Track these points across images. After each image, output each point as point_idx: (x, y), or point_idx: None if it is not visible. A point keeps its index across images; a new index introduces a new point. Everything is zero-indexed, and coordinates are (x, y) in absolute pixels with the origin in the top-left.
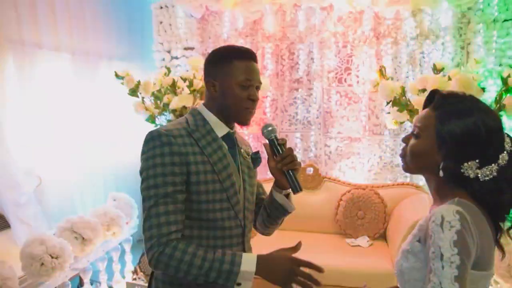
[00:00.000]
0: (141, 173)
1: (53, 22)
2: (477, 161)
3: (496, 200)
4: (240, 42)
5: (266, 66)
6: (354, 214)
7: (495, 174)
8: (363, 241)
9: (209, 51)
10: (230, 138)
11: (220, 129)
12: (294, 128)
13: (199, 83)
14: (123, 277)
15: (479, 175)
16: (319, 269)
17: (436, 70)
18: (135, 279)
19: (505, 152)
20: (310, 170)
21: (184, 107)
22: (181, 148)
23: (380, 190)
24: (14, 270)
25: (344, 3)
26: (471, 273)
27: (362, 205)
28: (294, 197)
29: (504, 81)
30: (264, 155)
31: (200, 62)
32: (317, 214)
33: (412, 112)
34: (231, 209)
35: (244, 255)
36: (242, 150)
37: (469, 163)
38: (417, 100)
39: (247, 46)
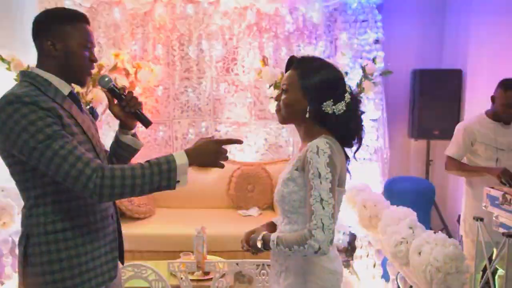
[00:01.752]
0: (14, 142)
1: None
2: (331, 100)
3: (347, 128)
4: (131, 33)
5: (157, 56)
6: (245, 188)
7: (344, 108)
8: (254, 211)
9: (100, 41)
10: (73, 96)
11: (64, 88)
12: (185, 115)
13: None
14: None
15: (334, 110)
16: (239, 141)
17: None
18: None
19: (347, 92)
20: None
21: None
22: (48, 103)
23: (267, 166)
24: None
25: None
26: (336, 189)
27: (252, 180)
28: (190, 178)
29: (363, 69)
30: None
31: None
32: (211, 191)
33: None
34: (97, 157)
35: (174, 153)
36: (82, 107)
37: (326, 102)
38: None
39: (139, 37)
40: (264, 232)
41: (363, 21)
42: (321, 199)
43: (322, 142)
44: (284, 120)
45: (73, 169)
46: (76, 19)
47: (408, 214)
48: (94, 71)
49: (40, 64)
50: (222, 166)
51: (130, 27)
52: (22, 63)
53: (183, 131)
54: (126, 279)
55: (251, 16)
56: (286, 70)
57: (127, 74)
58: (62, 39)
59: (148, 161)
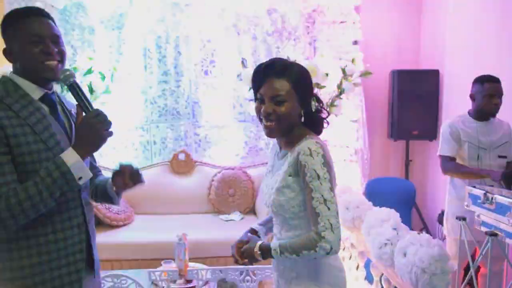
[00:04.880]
0: None
1: None
2: (313, 98)
3: (321, 120)
4: (107, 35)
5: (134, 59)
6: (226, 192)
7: (317, 103)
8: (235, 216)
9: (74, 44)
10: (49, 99)
11: (35, 92)
12: (164, 119)
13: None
14: None
15: (317, 106)
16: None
17: None
18: None
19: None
20: (182, 156)
21: None
22: None
23: (248, 169)
24: None
25: (206, 0)
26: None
27: (232, 184)
28: (170, 183)
29: (343, 71)
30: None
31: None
32: (191, 197)
33: None
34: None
35: (62, 154)
36: (67, 110)
37: (312, 102)
38: None
39: (114, 39)
40: (260, 242)
41: (341, 22)
42: (325, 200)
43: (312, 143)
44: (281, 133)
45: None
46: (19, 18)
47: (391, 215)
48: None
49: (14, 70)
50: (110, 134)
51: (106, 30)
52: None
53: (162, 135)
54: None
55: (229, 18)
56: (263, 80)
57: (103, 77)
58: (13, 45)
59: (38, 174)
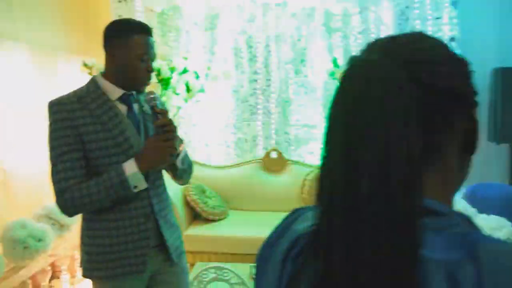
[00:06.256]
0: None
1: (9, 10)
2: None
3: None
4: (199, 36)
5: (226, 59)
6: None
7: None
8: None
9: (171, 45)
10: (127, 99)
11: (113, 93)
12: (255, 117)
13: (167, 72)
14: None
15: None
16: (163, 113)
17: None
18: None
19: None
20: (274, 155)
21: None
22: (70, 114)
23: None
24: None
25: (297, 0)
26: None
27: None
28: (263, 180)
29: None
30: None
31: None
32: (284, 195)
33: None
34: (122, 153)
35: (124, 163)
36: (144, 108)
37: None
38: None
39: (207, 40)
40: None
41: (437, 18)
42: None
43: None
44: None
45: (53, 189)
46: (134, 32)
47: (502, 224)
48: (167, 74)
49: (105, 72)
50: (173, 160)
51: (199, 31)
52: (101, 68)
53: (253, 133)
54: (208, 281)
55: (319, 17)
56: None
57: (197, 76)
58: (120, 51)
59: (101, 175)
